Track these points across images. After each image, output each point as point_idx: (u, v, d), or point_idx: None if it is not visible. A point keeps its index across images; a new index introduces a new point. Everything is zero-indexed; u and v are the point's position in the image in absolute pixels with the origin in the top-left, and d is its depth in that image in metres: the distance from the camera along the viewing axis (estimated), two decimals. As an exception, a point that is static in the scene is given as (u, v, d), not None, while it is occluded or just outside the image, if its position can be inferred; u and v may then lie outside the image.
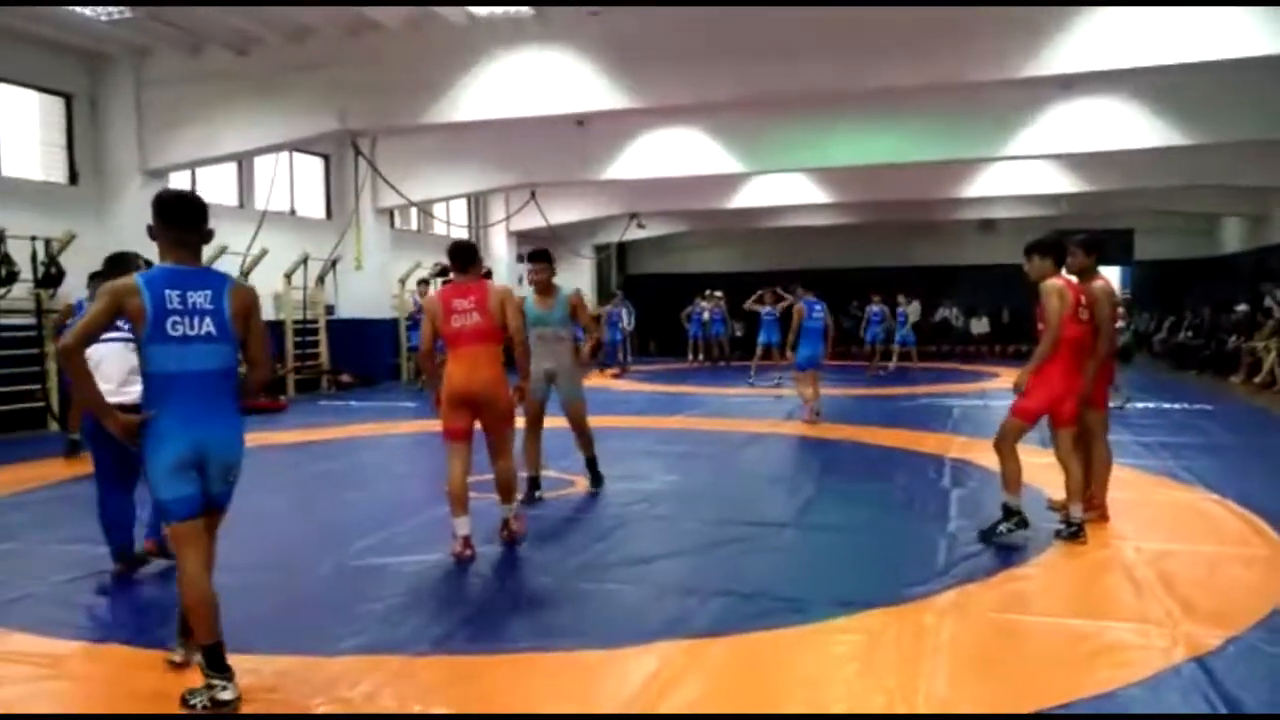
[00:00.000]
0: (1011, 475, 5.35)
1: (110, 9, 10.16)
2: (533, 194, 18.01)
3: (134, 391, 4.87)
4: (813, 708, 3.30)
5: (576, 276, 25.37)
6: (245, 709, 3.28)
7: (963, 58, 9.78)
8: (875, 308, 18.35)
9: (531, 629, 4.08)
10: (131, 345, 4.22)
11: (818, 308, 10.37)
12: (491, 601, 4.44)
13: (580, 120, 14.23)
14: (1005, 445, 5.42)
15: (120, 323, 3.99)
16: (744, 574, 4.91)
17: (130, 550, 5.00)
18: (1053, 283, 5.26)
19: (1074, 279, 5.45)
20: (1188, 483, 6.94)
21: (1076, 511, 5.37)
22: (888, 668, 3.60)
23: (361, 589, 4.75)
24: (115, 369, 4.77)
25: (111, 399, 4.14)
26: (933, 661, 3.66)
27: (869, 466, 8.07)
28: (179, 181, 13.48)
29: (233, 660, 3.31)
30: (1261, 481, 6.90)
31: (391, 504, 6.72)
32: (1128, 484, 6.92)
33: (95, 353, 4.28)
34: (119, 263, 4.76)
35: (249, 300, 3.45)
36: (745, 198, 20.24)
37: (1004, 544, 5.24)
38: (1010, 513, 5.32)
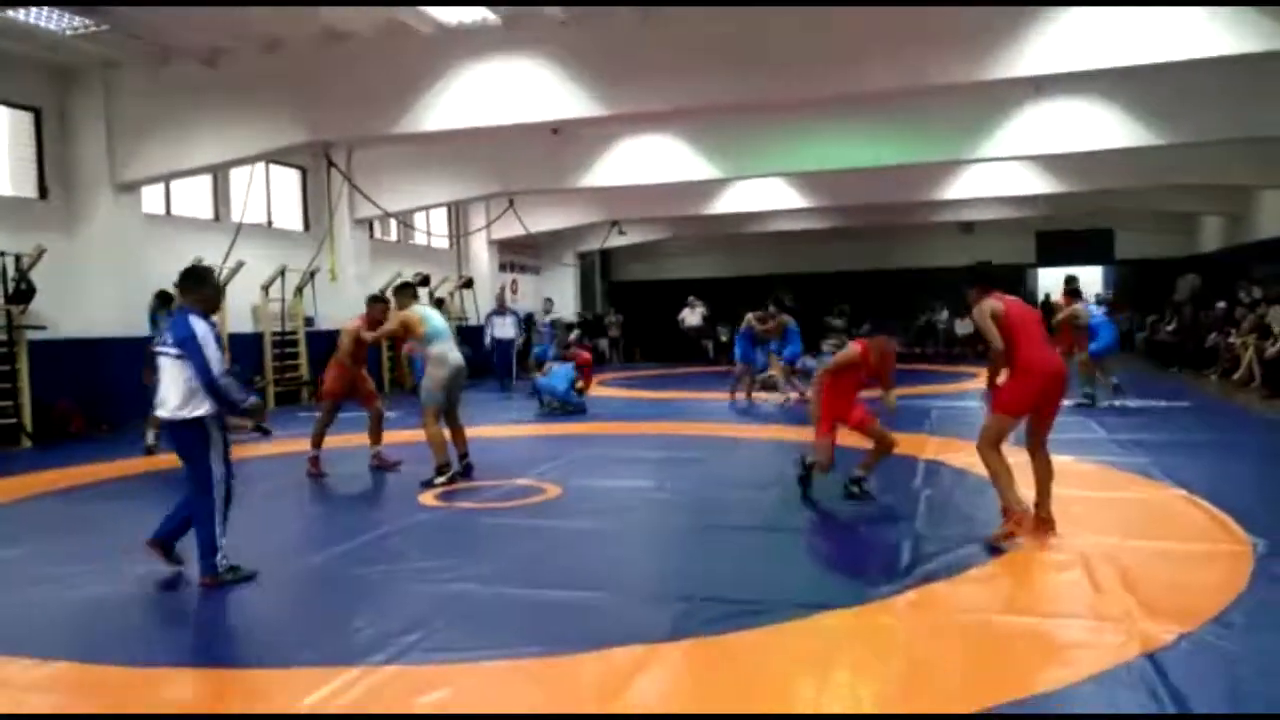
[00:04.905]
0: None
1: (74, 20, 10.06)
2: (510, 203, 17.98)
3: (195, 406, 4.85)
4: (768, 709, 3.27)
5: (560, 284, 25.44)
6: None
7: (935, 60, 9.76)
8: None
9: (488, 637, 4.02)
10: (183, 362, 4.71)
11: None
12: (448, 609, 4.38)
13: (555, 129, 14.20)
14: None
15: (168, 339, 4.85)
16: (706, 578, 4.87)
17: None
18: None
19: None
20: (1159, 480, 6.91)
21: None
22: (841, 669, 3.58)
23: (317, 600, 4.70)
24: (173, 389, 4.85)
25: (179, 414, 4.80)
26: (887, 662, 3.64)
27: (841, 468, 8.02)
28: (152, 194, 13.41)
29: (182, 675, 3.25)
30: (1234, 478, 6.89)
31: (355, 517, 6.66)
32: (1098, 482, 6.93)
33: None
34: None
35: None
36: (726, 203, 20.22)
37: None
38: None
